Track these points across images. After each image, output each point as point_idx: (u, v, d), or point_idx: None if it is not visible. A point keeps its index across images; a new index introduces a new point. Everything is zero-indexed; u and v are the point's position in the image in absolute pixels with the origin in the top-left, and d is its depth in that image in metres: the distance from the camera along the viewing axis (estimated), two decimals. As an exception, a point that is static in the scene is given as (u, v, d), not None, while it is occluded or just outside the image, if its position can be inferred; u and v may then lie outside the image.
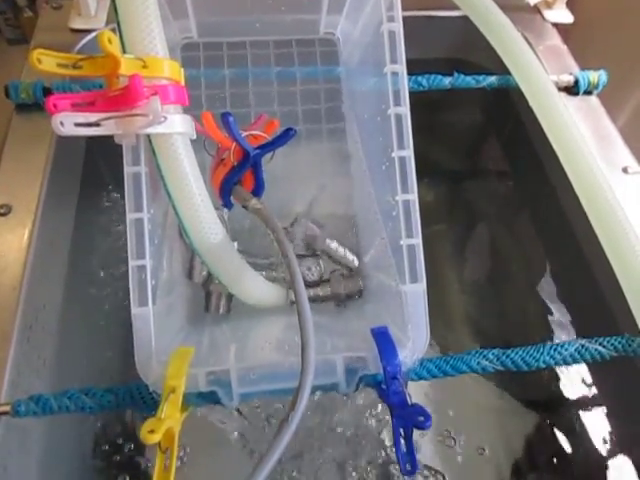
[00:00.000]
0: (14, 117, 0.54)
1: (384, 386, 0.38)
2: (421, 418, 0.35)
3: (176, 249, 0.49)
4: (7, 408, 0.38)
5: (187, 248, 0.50)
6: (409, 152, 0.41)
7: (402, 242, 0.40)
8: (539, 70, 0.56)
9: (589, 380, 0.58)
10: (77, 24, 0.60)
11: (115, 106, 0.35)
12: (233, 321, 0.50)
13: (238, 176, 0.48)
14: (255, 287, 0.47)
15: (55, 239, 0.51)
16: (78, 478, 0.51)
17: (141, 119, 0.35)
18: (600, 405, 0.57)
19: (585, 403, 0.57)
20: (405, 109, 0.41)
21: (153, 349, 0.38)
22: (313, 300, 0.51)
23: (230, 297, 0.50)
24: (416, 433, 0.37)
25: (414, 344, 0.40)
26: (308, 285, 0.51)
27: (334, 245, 0.51)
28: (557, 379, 0.59)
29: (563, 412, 0.57)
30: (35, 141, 0.52)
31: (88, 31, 0.60)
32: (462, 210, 0.70)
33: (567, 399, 0.58)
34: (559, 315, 0.60)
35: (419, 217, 0.40)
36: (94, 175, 0.60)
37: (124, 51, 0.36)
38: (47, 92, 0.54)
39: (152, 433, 0.33)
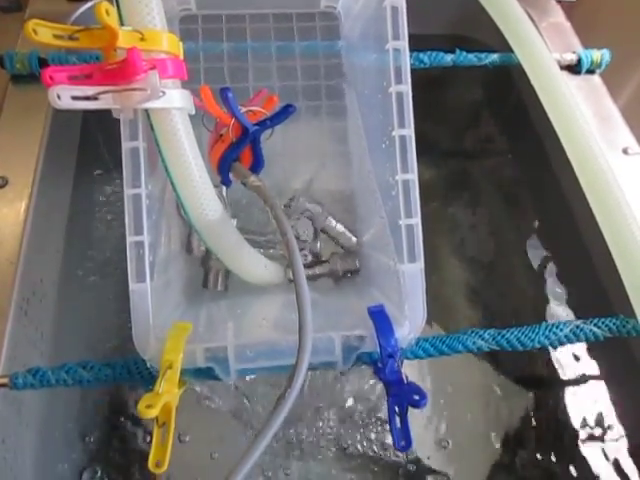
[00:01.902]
0: (9, 88, 0.53)
1: (380, 364, 0.39)
2: (416, 397, 0.36)
3: (174, 225, 0.49)
4: (5, 380, 0.39)
5: (185, 223, 0.50)
6: (410, 131, 0.40)
7: (401, 222, 0.40)
8: (542, 48, 0.56)
9: (584, 359, 0.58)
10: (73, -7, 0.59)
11: (113, 79, 0.34)
12: (231, 298, 0.50)
13: (237, 153, 0.47)
14: (253, 265, 0.47)
15: (52, 212, 0.51)
16: (77, 451, 0.51)
17: (139, 93, 0.34)
18: (594, 384, 0.57)
19: (579, 382, 0.58)
20: (407, 87, 0.40)
21: (151, 325, 0.38)
22: (310, 278, 0.51)
23: (228, 274, 0.50)
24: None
25: (411, 323, 0.40)
26: (306, 263, 0.51)
27: (333, 223, 0.51)
28: (550, 359, 0.60)
29: (556, 391, 0.58)
30: (31, 113, 0.52)
31: (85, 0, 0.59)
32: (461, 188, 0.69)
33: (560, 378, 0.59)
34: (556, 295, 0.60)
35: (418, 197, 0.40)
36: (91, 148, 0.59)
37: (122, 23, 0.36)
38: (43, 63, 0.53)
39: (149, 408, 0.33)
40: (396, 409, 0.38)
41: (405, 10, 0.40)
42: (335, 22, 0.56)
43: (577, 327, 0.42)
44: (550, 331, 0.42)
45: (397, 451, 0.56)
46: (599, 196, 0.48)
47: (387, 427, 0.56)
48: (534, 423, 0.58)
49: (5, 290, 0.43)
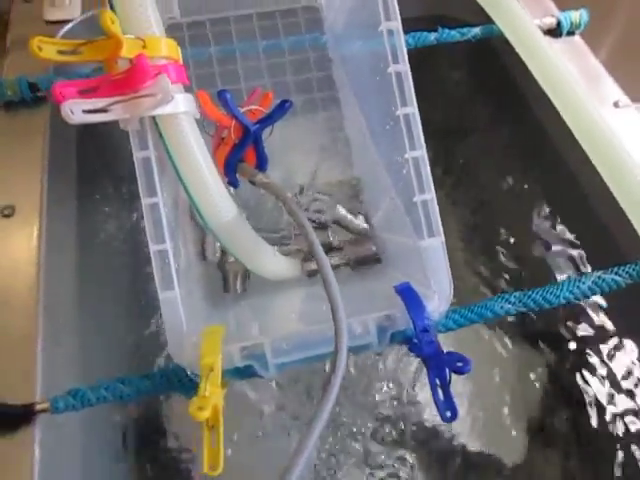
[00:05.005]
0: (2, 116, 0.52)
1: (415, 340, 0.39)
2: (459, 363, 0.36)
3: (188, 232, 0.49)
4: (45, 405, 0.39)
5: (197, 231, 0.50)
6: (413, 108, 0.41)
7: (416, 199, 0.41)
8: (522, 15, 0.57)
9: (601, 318, 0.59)
10: (52, 15, 0.58)
11: (120, 89, 0.34)
12: (252, 298, 0.50)
13: (241, 153, 0.47)
14: (271, 261, 0.47)
15: (62, 235, 0.51)
16: (116, 471, 0.51)
17: (148, 100, 0.35)
18: (614, 343, 0.58)
19: (602, 342, 0.59)
20: (405, 66, 0.41)
21: (184, 331, 0.38)
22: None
23: (246, 275, 0.50)
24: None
25: (439, 296, 0.40)
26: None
27: (343, 212, 0.52)
28: (568, 324, 0.61)
29: (578, 354, 0.59)
30: (28, 138, 0.51)
31: (65, 21, 0.58)
32: (455, 163, 0.70)
33: (580, 340, 0.60)
34: (562, 254, 0.61)
35: (430, 172, 0.41)
36: (88, 166, 0.59)
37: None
38: (33, 87, 0.53)
39: (201, 410, 0.33)
40: (437, 382, 0.39)
41: (394, -9, 0.41)
42: (318, 15, 0.57)
43: (599, 278, 0.43)
44: (574, 286, 0.43)
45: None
46: (597, 147, 0.49)
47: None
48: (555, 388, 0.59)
49: (30, 317, 0.43)
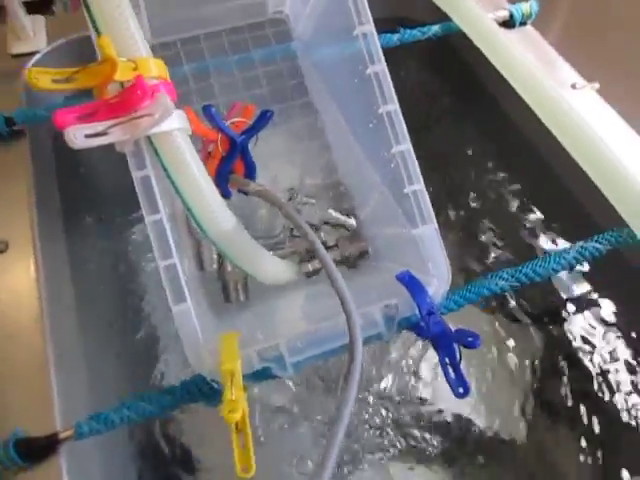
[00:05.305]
0: (-18, 153, 0.52)
1: (422, 323, 0.41)
2: (470, 338, 0.38)
3: (187, 247, 0.49)
4: (69, 433, 0.39)
5: (193, 241, 0.51)
6: (394, 106, 0.43)
7: (406, 190, 0.43)
8: (478, 11, 0.60)
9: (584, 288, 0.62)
10: (18, 49, 0.58)
11: (117, 112, 0.35)
12: (255, 304, 0.51)
13: (230, 165, 0.49)
14: (271, 265, 0.49)
15: (57, 266, 0.51)
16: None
17: (146, 120, 0.35)
18: (599, 307, 0.61)
19: (586, 308, 0.62)
20: (382, 65, 0.43)
21: (201, 340, 0.39)
22: (325, 267, 0.52)
23: (246, 284, 0.51)
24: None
25: (438, 279, 0.42)
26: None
27: (333, 213, 0.54)
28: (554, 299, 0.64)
29: (569, 324, 0.62)
30: (11, 173, 0.51)
31: (31, 54, 0.58)
32: (426, 158, 0.73)
33: (568, 311, 0.63)
34: (539, 232, 0.64)
35: (417, 163, 0.43)
36: (69, 195, 0.59)
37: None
38: (9, 122, 0.53)
39: (232, 412, 0.34)
40: (447, 361, 0.41)
41: (365, -3, 0.43)
42: (285, 26, 0.59)
43: (582, 247, 0.46)
44: (560, 257, 0.46)
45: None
46: (562, 126, 0.53)
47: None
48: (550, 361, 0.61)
49: (38, 348, 0.43)
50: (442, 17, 0.64)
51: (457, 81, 0.74)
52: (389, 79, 0.43)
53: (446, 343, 0.40)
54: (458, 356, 0.40)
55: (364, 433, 0.56)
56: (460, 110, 0.73)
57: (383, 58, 0.43)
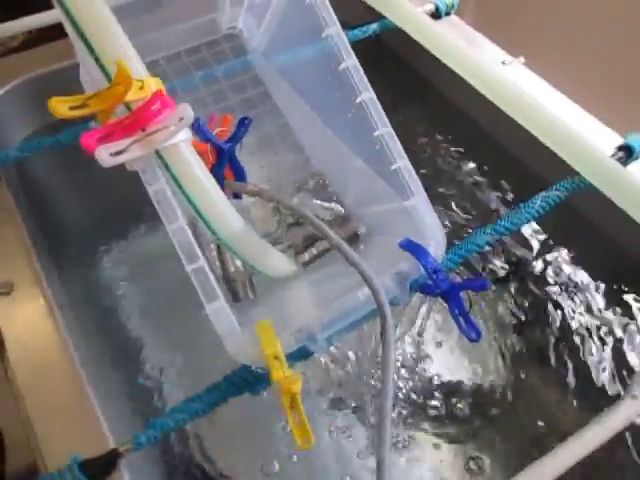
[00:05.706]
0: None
1: (430, 281, 0.46)
2: (478, 283, 0.43)
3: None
4: (128, 445, 0.40)
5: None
6: (370, 93, 0.48)
7: (394, 166, 0.47)
8: (408, 6, 0.66)
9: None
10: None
11: (132, 130, 0.37)
12: (264, 298, 0.54)
13: (221, 171, 0.51)
14: (276, 260, 0.52)
15: (60, 297, 0.51)
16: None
17: (161, 133, 0.38)
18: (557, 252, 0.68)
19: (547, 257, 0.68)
20: (353, 60, 0.48)
21: (239, 331, 0.41)
22: (322, 254, 0.56)
23: (252, 281, 0.54)
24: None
25: (436, 242, 0.47)
26: (311, 243, 0.56)
27: (318, 202, 0.57)
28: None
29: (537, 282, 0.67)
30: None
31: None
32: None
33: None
34: (494, 195, 0.71)
35: (399, 141, 0.48)
36: (52, 228, 0.59)
37: (109, 79, 0.39)
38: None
39: (293, 384, 0.37)
40: (456, 312, 0.46)
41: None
42: (239, 41, 0.62)
43: (546, 196, 0.53)
44: (530, 207, 0.52)
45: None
46: (501, 94, 0.59)
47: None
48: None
49: (72, 375, 0.43)
50: (375, 18, 0.70)
51: (395, 73, 0.80)
52: (361, 71, 0.48)
53: (455, 295, 0.45)
54: (467, 307, 0.45)
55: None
56: (400, 98, 0.79)
57: (352, 53, 0.48)
